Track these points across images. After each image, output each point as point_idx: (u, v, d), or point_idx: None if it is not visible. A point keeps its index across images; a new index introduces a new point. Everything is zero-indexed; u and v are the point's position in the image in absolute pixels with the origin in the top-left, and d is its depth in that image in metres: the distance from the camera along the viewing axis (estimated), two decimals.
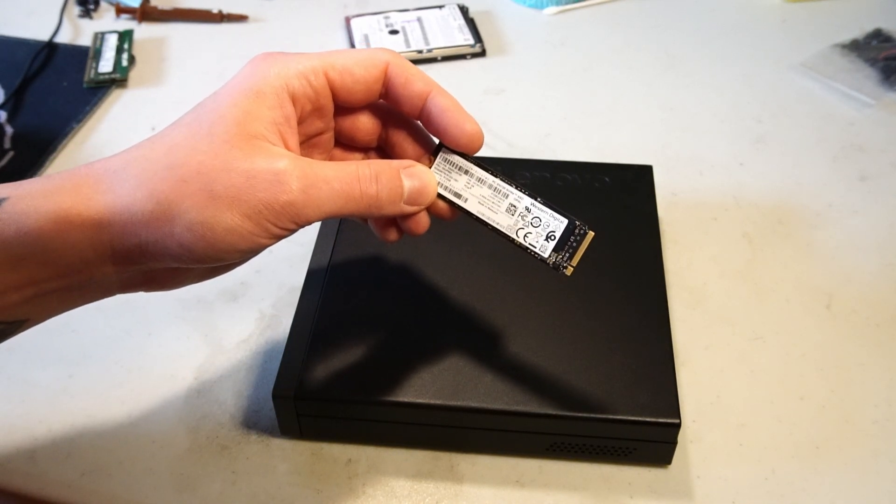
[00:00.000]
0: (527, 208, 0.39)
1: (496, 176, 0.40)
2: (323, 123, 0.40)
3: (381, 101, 0.41)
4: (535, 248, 0.39)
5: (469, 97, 0.73)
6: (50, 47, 0.79)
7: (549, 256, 0.39)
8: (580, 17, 0.83)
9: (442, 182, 0.40)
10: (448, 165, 0.40)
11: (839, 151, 0.66)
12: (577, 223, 0.39)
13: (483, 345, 0.46)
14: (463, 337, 0.47)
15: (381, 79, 0.39)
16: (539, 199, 0.39)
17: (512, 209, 0.39)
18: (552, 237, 0.39)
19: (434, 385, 0.45)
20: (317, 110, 0.39)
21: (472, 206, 0.40)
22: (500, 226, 0.39)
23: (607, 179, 0.56)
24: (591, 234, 0.39)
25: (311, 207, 0.35)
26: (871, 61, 0.74)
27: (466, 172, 0.40)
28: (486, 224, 0.39)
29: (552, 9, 0.83)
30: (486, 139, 0.68)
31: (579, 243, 0.39)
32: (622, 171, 0.57)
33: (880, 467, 0.46)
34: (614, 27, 0.81)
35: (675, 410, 0.43)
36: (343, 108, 0.40)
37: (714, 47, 0.78)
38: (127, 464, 0.47)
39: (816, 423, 0.48)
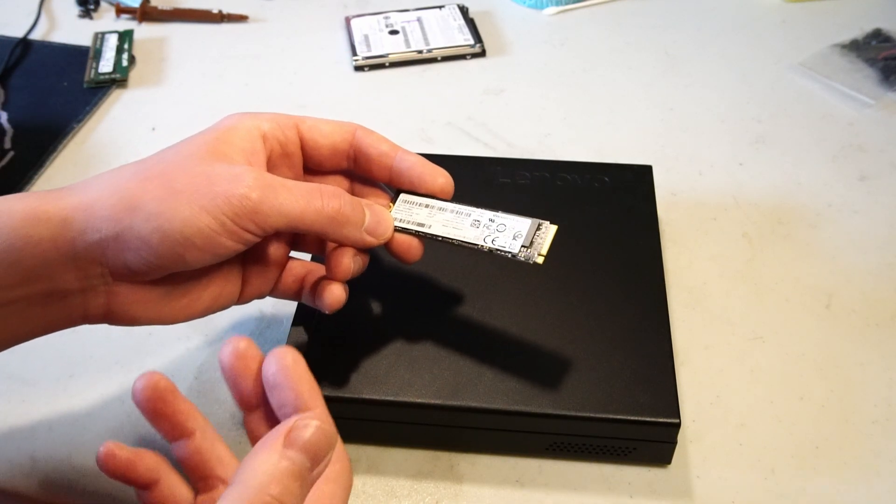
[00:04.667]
0: (490, 220, 0.41)
1: (455, 203, 0.42)
2: (292, 174, 0.42)
3: (350, 169, 0.43)
4: (504, 248, 0.41)
5: (469, 97, 0.73)
6: (25, 44, 0.79)
7: (519, 252, 0.40)
8: (580, 17, 0.83)
9: (403, 218, 0.42)
10: (408, 206, 0.43)
11: (839, 151, 0.66)
12: (540, 221, 0.41)
13: (483, 345, 0.46)
14: (463, 337, 0.47)
15: (350, 140, 0.42)
16: (500, 211, 0.42)
17: (476, 223, 0.41)
18: (518, 236, 0.41)
19: (434, 385, 0.45)
20: (286, 156, 0.42)
21: (436, 230, 0.42)
22: (467, 238, 0.41)
23: (607, 179, 0.56)
24: (555, 227, 0.41)
25: (267, 204, 0.36)
26: (871, 61, 0.74)
27: (427, 206, 0.42)
28: (453, 241, 0.41)
29: (552, 9, 0.83)
30: (487, 139, 0.69)
31: (545, 236, 0.40)
32: (622, 171, 0.57)
33: (880, 467, 0.46)
34: (614, 27, 0.81)
35: (674, 410, 0.43)
36: (313, 170, 0.43)
37: (713, 47, 0.78)
38: None
39: (816, 423, 0.48)
